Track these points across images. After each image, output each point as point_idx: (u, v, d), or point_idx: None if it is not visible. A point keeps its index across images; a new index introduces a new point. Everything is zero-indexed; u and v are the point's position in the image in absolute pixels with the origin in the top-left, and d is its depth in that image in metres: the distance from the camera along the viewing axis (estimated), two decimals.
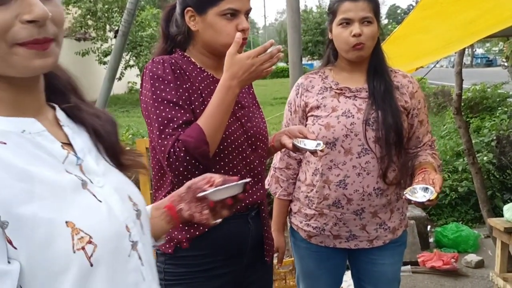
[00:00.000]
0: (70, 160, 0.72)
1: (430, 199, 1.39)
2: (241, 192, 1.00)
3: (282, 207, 1.86)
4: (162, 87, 1.28)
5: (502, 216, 3.01)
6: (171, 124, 1.25)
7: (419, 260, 3.65)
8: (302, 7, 17.79)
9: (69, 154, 0.73)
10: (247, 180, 1.03)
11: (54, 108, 0.79)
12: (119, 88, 17.97)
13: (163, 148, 1.24)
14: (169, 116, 1.25)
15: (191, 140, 1.21)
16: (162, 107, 1.26)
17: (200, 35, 1.36)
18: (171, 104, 1.27)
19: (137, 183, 0.82)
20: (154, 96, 1.28)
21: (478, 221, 4.53)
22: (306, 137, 1.42)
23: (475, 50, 40.01)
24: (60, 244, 0.62)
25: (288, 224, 1.90)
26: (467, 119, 6.25)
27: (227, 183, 0.99)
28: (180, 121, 1.25)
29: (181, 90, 1.29)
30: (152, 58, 1.36)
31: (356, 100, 1.67)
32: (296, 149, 1.43)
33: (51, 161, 0.69)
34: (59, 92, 0.80)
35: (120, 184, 0.80)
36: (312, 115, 1.70)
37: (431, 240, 4.15)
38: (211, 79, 1.38)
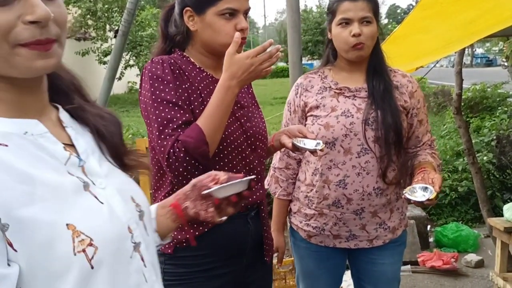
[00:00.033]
0: (72, 161, 0.72)
1: (430, 198, 1.39)
2: (246, 189, 1.00)
3: (281, 207, 1.85)
4: (161, 87, 1.28)
5: (502, 215, 3.01)
6: (170, 125, 1.24)
7: (419, 259, 3.65)
8: (302, 7, 17.80)
9: (71, 156, 0.72)
10: (252, 176, 1.03)
11: (57, 109, 0.78)
12: (119, 88, 17.97)
13: (162, 149, 1.24)
14: (169, 116, 1.25)
15: (190, 141, 1.21)
16: (161, 108, 1.26)
17: (199, 35, 1.36)
18: (171, 105, 1.26)
19: (137, 183, 0.82)
20: (153, 97, 1.27)
21: (478, 221, 4.53)
22: (305, 137, 1.42)
23: (475, 50, 39.99)
24: (61, 247, 0.62)
25: (288, 224, 1.90)
26: (467, 119, 6.25)
27: (232, 180, 0.99)
28: (180, 122, 1.25)
29: (180, 90, 1.29)
30: (151, 58, 1.36)
31: (355, 99, 1.67)
32: (295, 148, 1.42)
33: (53, 162, 0.69)
34: (62, 93, 0.80)
35: (123, 185, 0.79)
36: (311, 115, 1.70)
37: (431, 239, 4.14)
38: (210, 79, 1.38)
